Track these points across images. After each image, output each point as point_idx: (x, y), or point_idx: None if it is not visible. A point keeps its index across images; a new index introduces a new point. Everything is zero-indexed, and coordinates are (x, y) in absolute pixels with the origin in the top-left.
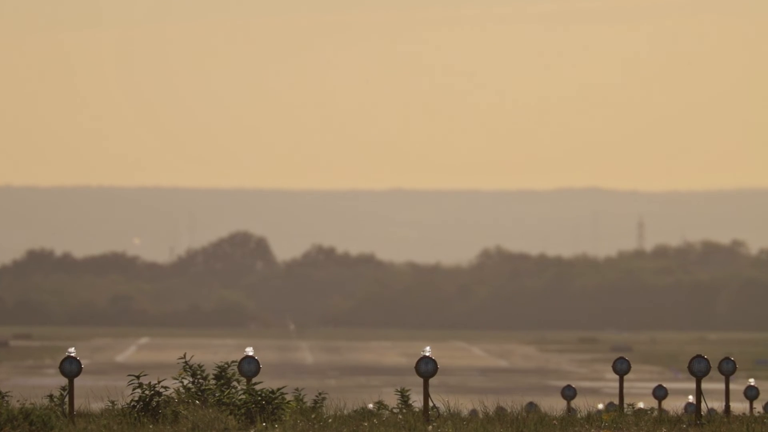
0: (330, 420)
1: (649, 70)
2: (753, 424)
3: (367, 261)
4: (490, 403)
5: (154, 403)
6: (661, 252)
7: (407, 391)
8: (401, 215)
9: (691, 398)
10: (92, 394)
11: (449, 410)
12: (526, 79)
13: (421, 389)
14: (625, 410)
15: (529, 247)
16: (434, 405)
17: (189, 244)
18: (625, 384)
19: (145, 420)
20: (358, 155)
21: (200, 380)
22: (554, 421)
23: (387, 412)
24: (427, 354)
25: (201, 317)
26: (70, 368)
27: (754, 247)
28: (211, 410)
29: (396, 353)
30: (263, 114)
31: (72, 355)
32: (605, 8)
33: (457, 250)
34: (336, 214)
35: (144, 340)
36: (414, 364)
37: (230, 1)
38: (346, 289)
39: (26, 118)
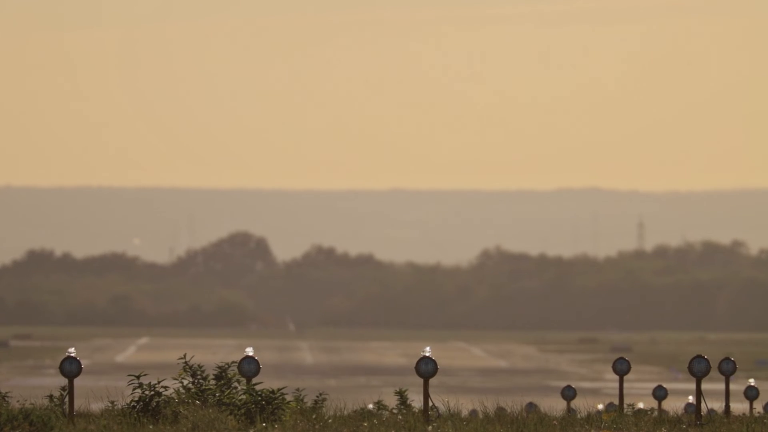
0: (330, 420)
1: (649, 70)
2: (753, 425)
3: (367, 261)
4: (490, 404)
5: (154, 404)
6: (661, 252)
7: (405, 391)
8: (401, 215)
9: (691, 398)
10: (92, 394)
11: (449, 410)
12: (525, 79)
13: (421, 389)
14: (625, 410)
15: (529, 247)
16: (434, 405)
17: (189, 244)
18: (625, 384)
19: (145, 420)
20: (358, 155)
21: (200, 380)
22: (554, 422)
23: (387, 412)
24: (427, 354)
25: (201, 317)
26: (70, 368)
27: (754, 247)
28: (211, 410)
29: (396, 353)
30: (263, 114)
31: (72, 355)
32: (604, 8)
33: (457, 250)
34: (336, 214)
35: (144, 341)
36: (414, 364)
37: (231, 1)
38: (346, 289)
39: (26, 118)
